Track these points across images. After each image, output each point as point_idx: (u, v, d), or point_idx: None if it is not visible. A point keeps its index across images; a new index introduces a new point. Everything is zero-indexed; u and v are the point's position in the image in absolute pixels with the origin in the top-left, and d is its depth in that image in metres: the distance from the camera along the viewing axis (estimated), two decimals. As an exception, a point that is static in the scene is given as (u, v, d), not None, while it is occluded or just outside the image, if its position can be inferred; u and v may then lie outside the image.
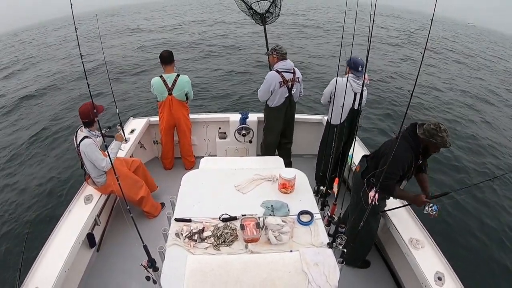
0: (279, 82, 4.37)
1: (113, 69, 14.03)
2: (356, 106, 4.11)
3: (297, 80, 4.49)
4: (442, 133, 2.79)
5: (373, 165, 3.20)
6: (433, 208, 2.89)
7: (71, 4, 2.39)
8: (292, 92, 4.51)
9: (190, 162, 5.52)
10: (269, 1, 5.03)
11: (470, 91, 13.86)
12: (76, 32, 2.57)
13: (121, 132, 4.20)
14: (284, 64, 4.42)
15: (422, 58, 2.08)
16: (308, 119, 5.67)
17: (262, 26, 5.21)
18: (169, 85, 4.72)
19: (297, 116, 5.32)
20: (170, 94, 4.77)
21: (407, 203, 3.40)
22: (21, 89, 12.71)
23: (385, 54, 19.35)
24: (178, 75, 4.77)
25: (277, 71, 4.38)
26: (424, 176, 3.23)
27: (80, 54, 2.62)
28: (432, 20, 2.04)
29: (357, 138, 3.56)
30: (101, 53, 5.08)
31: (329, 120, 4.36)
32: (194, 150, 5.65)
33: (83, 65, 2.57)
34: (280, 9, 5.07)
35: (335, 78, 3.95)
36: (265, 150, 5.05)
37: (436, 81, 14.54)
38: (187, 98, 4.98)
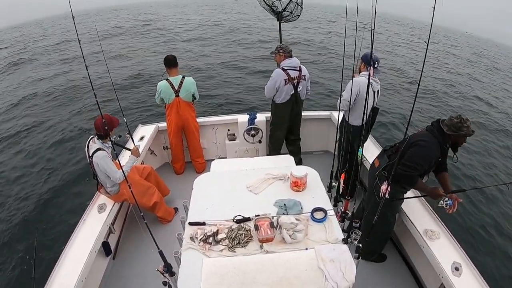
0: (284, 79, 4.41)
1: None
2: (375, 104, 4.09)
3: (303, 77, 4.51)
4: (466, 123, 2.85)
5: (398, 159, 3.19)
6: (448, 202, 2.90)
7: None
8: (298, 89, 4.52)
9: (200, 164, 5.54)
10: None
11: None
12: (80, 44, 2.59)
13: (132, 143, 4.22)
14: (290, 62, 4.45)
15: (426, 53, 2.06)
16: (316, 116, 5.66)
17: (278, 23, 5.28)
18: (176, 87, 4.81)
19: (304, 113, 5.31)
20: (177, 96, 4.84)
21: (422, 195, 3.38)
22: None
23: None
24: (183, 77, 4.86)
25: (283, 69, 4.42)
26: (445, 174, 3.24)
27: (86, 65, 2.64)
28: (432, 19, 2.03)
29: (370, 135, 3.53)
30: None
31: (347, 120, 4.20)
32: (204, 153, 5.66)
33: (89, 76, 2.59)
34: (302, 8, 5.09)
35: (354, 80, 3.87)
36: (273, 145, 5.10)
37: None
38: (193, 99, 5.05)
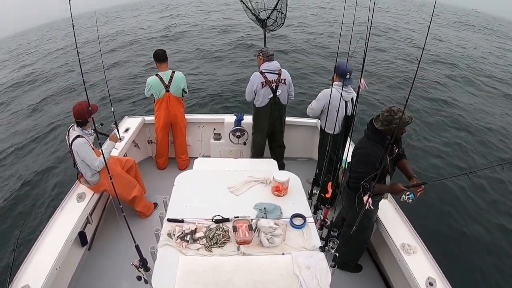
0: (261, 82, 4.44)
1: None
2: (349, 113, 4.14)
3: (282, 81, 4.52)
4: (397, 114, 2.83)
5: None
6: (410, 196, 2.87)
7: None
8: (277, 93, 4.53)
9: (184, 161, 5.52)
10: (271, 9, 5.06)
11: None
12: (73, 29, 2.55)
13: (116, 132, 4.19)
14: (268, 65, 4.48)
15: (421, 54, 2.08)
16: (303, 123, 5.68)
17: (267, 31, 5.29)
18: (166, 82, 4.78)
19: (292, 119, 5.33)
20: (167, 91, 4.81)
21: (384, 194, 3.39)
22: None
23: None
24: (173, 72, 4.85)
25: (261, 72, 4.46)
26: (404, 161, 3.26)
27: (77, 52, 2.59)
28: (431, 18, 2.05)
29: (351, 142, 3.56)
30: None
31: (323, 128, 4.42)
32: (188, 150, 5.65)
33: (79, 64, 2.55)
34: (285, 16, 5.11)
35: (324, 91, 4.08)
36: (254, 149, 5.15)
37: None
38: (184, 93, 5.05)
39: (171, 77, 4.80)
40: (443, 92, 11.70)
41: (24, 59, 18.08)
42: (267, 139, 5.07)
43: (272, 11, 5.06)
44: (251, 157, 5.29)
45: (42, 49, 20.83)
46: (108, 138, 3.96)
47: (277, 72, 4.50)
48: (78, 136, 3.51)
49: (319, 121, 5.55)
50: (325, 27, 22.85)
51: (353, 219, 2.52)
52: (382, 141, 2.91)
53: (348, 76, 3.95)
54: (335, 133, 4.22)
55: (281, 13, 5.05)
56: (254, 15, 5.11)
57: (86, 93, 2.44)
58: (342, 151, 3.78)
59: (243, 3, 5.06)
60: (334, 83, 4.02)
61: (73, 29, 2.43)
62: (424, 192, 2.92)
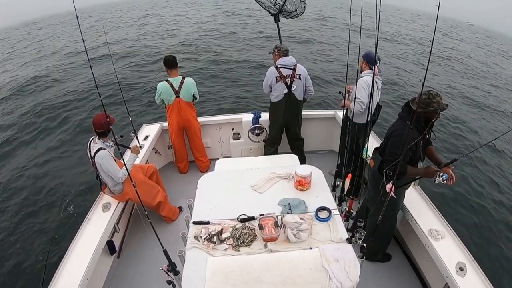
0: (276, 77, 4.48)
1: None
2: (379, 101, 4.09)
3: (297, 76, 4.51)
4: (435, 98, 2.78)
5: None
6: (443, 177, 2.82)
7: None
8: (292, 88, 4.53)
9: (204, 163, 5.53)
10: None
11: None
12: (83, 42, 2.59)
13: (137, 142, 4.25)
14: (283, 60, 4.50)
15: (431, 51, 2.05)
16: (320, 115, 5.65)
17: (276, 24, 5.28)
18: (176, 88, 4.80)
19: (309, 112, 5.31)
20: (177, 96, 4.83)
21: (418, 178, 3.32)
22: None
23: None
24: (183, 78, 4.86)
25: (276, 67, 4.48)
26: (431, 148, 3.22)
27: (90, 65, 2.64)
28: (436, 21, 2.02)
29: (371, 131, 3.51)
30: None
31: (351, 118, 4.16)
32: (208, 152, 5.67)
33: (93, 76, 2.60)
34: (305, 4, 5.09)
35: (364, 79, 3.89)
36: (267, 143, 5.17)
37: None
38: (194, 99, 5.06)
39: (181, 83, 4.82)
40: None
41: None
42: (286, 134, 5.07)
43: (283, 5, 5.04)
44: (264, 152, 5.31)
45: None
46: (130, 151, 4.02)
47: (292, 67, 4.50)
48: (101, 148, 3.56)
49: (336, 112, 5.51)
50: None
51: (379, 208, 2.49)
52: (417, 123, 2.89)
53: (378, 63, 3.89)
54: (364, 122, 4.10)
55: (301, 1, 5.03)
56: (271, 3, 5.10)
57: (103, 105, 2.48)
58: (367, 140, 3.72)
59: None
60: (364, 72, 3.97)
61: (83, 43, 2.47)
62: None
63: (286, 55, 4.53)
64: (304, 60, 13.82)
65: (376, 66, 3.72)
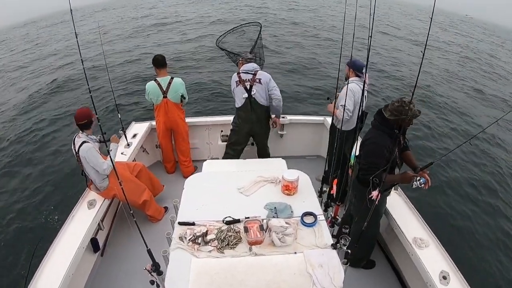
0: (236, 81, 4.52)
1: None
2: (364, 109, 4.11)
3: (257, 80, 4.47)
4: (408, 105, 2.79)
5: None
6: (421, 181, 2.83)
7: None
8: (252, 92, 4.50)
9: (187, 168, 5.36)
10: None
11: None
12: (76, 38, 2.56)
13: (124, 135, 4.21)
14: (245, 66, 4.51)
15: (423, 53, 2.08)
16: (309, 120, 5.67)
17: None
18: (164, 88, 4.74)
19: (298, 117, 5.33)
20: (165, 97, 4.78)
21: (396, 184, 3.35)
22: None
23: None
24: (172, 78, 4.80)
25: (238, 73, 4.52)
26: (408, 153, 3.23)
27: (82, 60, 2.62)
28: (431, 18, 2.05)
29: (358, 138, 3.53)
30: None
31: (336, 126, 4.22)
32: (197, 153, 5.65)
33: (84, 71, 2.57)
34: (264, 61, 4.98)
35: (350, 87, 3.85)
36: (227, 148, 4.96)
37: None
38: (183, 99, 4.99)
39: (169, 83, 4.76)
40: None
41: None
42: (253, 141, 5.08)
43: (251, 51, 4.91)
44: (223, 156, 5.06)
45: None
46: (109, 141, 3.93)
47: (253, 72, 4.48)
48: (84, 142, 3.53)
49: (325, 118, 5.53)
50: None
51: (363, 215, 2.50)
52: (390, 131, 2.91)
53: (364, 70, 3.91)
54: (350, 129, 4.15)
55: (260, 59, 4.94)
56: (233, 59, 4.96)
57: (93, 101, 2.46)
58: (352, 146, 3.74)
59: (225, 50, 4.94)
60: (350, 79, 3.98)
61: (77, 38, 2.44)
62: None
63: (249, 62, 4.55)
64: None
65: (366, 74, 3.76)
